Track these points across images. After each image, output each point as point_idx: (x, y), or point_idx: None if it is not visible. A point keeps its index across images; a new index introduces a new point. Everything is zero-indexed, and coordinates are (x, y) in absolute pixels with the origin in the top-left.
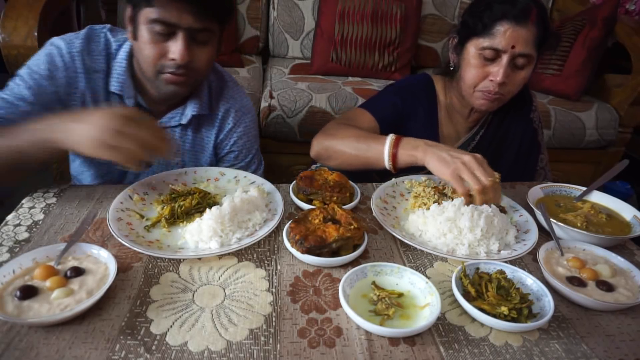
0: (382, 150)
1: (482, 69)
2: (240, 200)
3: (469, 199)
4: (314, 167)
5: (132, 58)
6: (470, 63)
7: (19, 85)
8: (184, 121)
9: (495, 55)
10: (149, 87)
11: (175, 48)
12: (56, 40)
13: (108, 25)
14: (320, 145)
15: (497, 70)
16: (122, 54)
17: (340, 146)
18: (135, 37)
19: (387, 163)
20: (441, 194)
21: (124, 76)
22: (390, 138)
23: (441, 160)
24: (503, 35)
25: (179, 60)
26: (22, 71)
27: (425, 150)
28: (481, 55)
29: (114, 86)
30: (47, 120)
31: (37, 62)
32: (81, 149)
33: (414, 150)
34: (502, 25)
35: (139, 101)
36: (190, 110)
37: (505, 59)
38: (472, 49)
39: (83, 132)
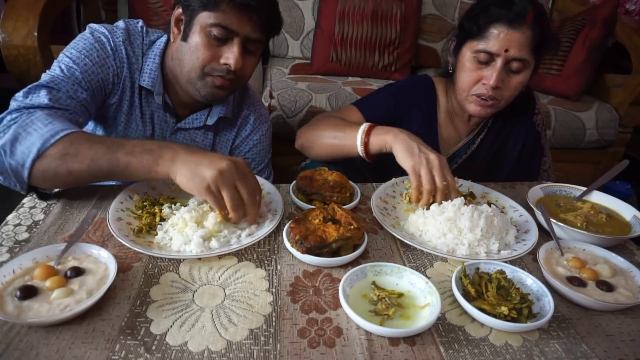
0: (356, 137)
1: (476, 72)
2: None
3: (418, 195)
4: (303, 164)
5: (165, 56)
6: (465, 66)
7: (71, 69)
8: (210, 122)
9: (489, 58)
10: (180, 87)
11: (231, 54)
12: (99, 28)
13: (140, 21)
14: (303, 136)
15: (491, 74)
16: (155, 51)
17: (319, 136)
18: (184, 38)
19: (359, 148)
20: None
21: (156, 72)
22: (364, 125)
23: (408, 150)
24: (496, 38)
25: (233, 65)
26: (72, 55)
27: (396, 135)
28: (475, 58)
29: (145, 81)
30: (160, 145)
31: (87, 47)
32: (189, 187)
33: (386, 134)
34: (496, 28)
35: (166, 99)
36: (217, 112)
37: (499, 62)
38: (467, 52)
39: (198, 171)
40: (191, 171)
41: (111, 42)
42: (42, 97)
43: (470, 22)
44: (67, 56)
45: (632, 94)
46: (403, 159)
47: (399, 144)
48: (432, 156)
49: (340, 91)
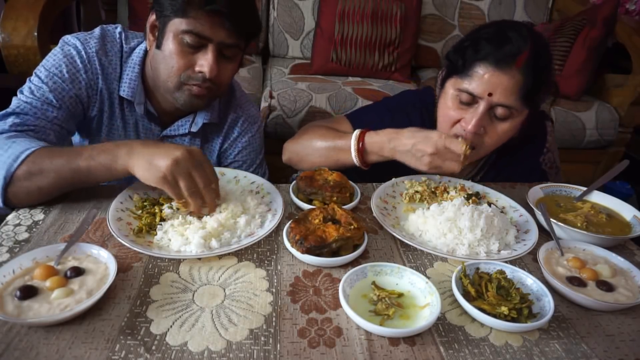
0: (349, 146)
1: (456, 112)
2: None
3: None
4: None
5: (145, 64)
6: (446, 104)
7: (40, 89)
8: (194, 129)
9: (471, 100)
10: (160, 95)
11: (205, 61)
12: (71, 39)
13: (119, 26)
14: (289, 150)
15: (470, 118)
16: (134, 59)
17: (307, 149)
18: (159, 46)
19: (355, 159)
20: (433, 192)
21: (136, 82)
22: (355, 134)
23: (412, 159)
24: (480, 79)
25: (207, 73)
26: (41, 73)
27: (393, 151)
28: (457, 97)
29: (125, 92)
30: (117, 144)
31: (56, 63)
32: (146, 177)
33: (380, 150)
34: (481, 67)
35: (148, 108)
36: (201, 119)
37: (481, 106)
38: (450, 89)
39: (154, 162)
40: (147, 162)
41: (82, 54)
42: (6, 124)
43: (457, 56)
44: (37, 75)
45: (632, 94)
46: (414, 166)
47: (400, 157)
48: (429, 150)
49: (340, 91)
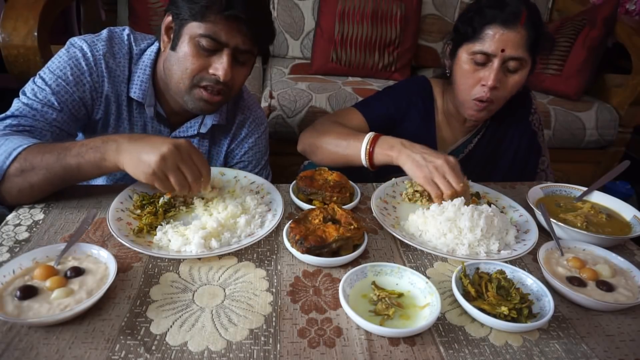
0: (360, 148)
1: (474, 74)
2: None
3: (440, 200)
4: (305, 162)
5: (156, 66)
6: (463, 69)
7: (43, 91)
8: (203, 130)
9: (486, 59)
10: (170, 97)
11: (220, 65)
12: (77, 42)
13: (127, 28)
14: (306, 140)
15: (489, 75)
16: (145, 61)
17: (323, 143)
18: (173, 47)
19: (364, 161)
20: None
21: (147, 84)
22: (368, 136)
23: (415, 163)
24: (492, 39)
25: (222, 77)
26: (45, 75)
27: (400, 150)
28: (472, 60)
29: (135, 93)
30: (104, 140)
31: (61, 66)
32: (136, 174)
33: (390, 149)
34: (491, 29)
35: (158, 110)
36: (210, 120)
37: (496, 63)
38: (464, 54)
39: (142, 158)
40: (136, 159)
41: (88, 56)
42: (1, 126)
43: (465, 25)
44: (41, 77)
45: (632, 94)
46: (413, 174)
47: (405, 160)
48: (440, 162)
49: (340, 91)
